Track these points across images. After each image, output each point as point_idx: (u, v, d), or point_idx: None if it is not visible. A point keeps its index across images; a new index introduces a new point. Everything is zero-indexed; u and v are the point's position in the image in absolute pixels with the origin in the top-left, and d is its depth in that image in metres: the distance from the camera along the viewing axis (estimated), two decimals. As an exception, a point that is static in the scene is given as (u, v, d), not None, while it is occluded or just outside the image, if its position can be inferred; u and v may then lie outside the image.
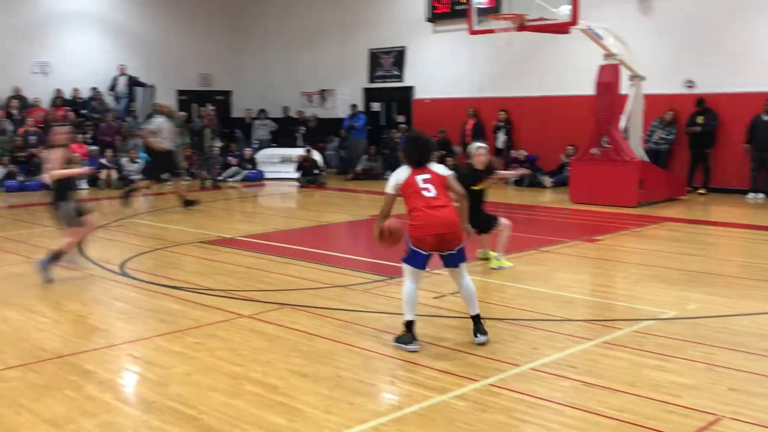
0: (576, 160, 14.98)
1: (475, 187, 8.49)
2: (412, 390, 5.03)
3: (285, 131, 22.20)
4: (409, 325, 5.89)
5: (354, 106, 21.27)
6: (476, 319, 6.04)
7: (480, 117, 18.96)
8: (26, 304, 7.31)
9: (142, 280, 8.24)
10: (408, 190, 5.95)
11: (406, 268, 5.95)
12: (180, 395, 4.92)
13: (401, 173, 6.01)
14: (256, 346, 5.94)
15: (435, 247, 5.87)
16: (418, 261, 5.89)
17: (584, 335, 6.16)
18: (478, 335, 5.97)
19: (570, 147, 17.02)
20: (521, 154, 17.68)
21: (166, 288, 7.86)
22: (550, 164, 17.59)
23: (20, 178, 17.67)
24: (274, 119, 22.56)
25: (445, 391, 4.96)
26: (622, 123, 14.28)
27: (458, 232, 5.94)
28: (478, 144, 8.84)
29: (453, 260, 5.94)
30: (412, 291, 5.91)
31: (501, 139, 18.53)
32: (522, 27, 13.28)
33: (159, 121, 14.25)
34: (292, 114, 22.70)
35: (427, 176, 5.95)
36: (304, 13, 23.05)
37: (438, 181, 5.96)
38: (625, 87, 14.44)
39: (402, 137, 5.49)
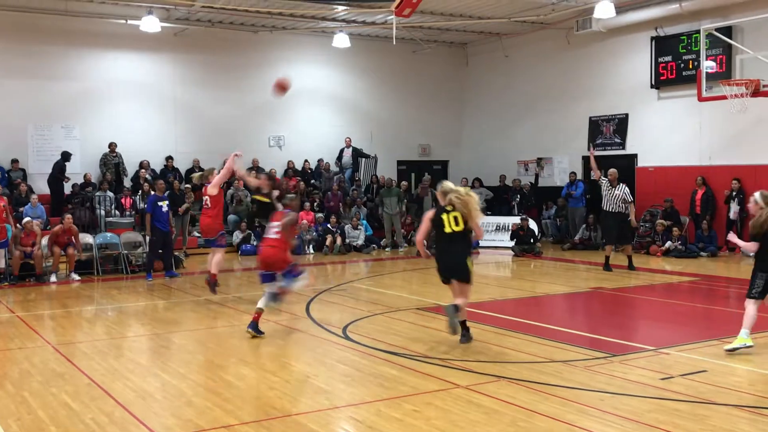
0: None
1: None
2: (638, 478, 4.74)
3: (500, 199, 22.27)
4: None
5: (573, 174, 20.93)
6: None
7: (710, 186, 17.92)
8: (259, 363, 7.81)
9: (363, 344, 8.51)
10: None
11: None
12: (399, 463, 4.98)
13: None
14: (473, 418, 5.90)
15: None
16: None
17: (838, 432, 5.52)
18: None
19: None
20: None
21: (385, 353, 8.07)
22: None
23: (255, 242, 19.06)
24: (489, 188, 22.72)
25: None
26: None
27: None
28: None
29: None
30: None
31: (734, 209, 17.34)
32: (757, 92, 12.50)
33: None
34: (508, 182, 22.73)
35: None
36: (522, 84, 23.26)
37: None
38: None
39: None
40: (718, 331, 9.12)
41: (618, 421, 5.79)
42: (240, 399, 6.52)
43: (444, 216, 8.23)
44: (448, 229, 8.21)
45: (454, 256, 8.25)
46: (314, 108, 23.16)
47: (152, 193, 15.93)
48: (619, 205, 14.57)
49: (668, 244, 17.54)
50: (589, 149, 16.39)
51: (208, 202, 12.11)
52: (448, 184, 8.49)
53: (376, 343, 8.54)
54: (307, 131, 22.71)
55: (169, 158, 20.51)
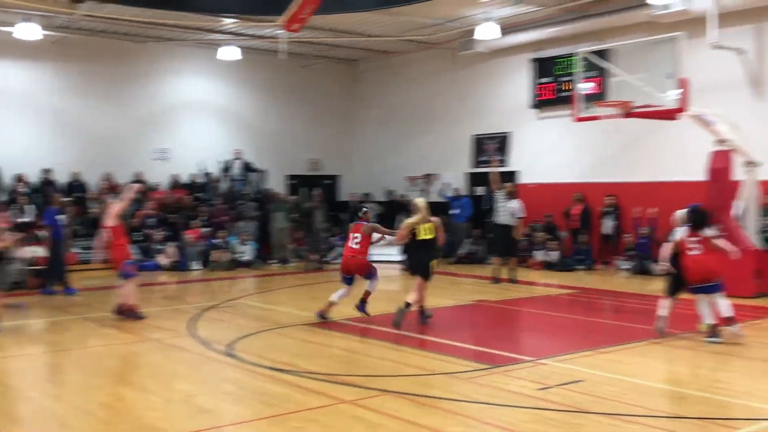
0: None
1: None
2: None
3: (390, 214, 22.47)
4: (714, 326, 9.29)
5: (457, 189, 21.39)
6: (731, 320, 9.27)
7: (587, 202, 18.72)
8: (139, 383, 7.58)
9: (248, 362, 8.40)
10: (681, 246, 9.46)
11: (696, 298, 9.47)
12: (282, 481, 4.94)
13: (681, 232, 9.55)
14: (357, 433, 5.93)
15: (699, 283, 9.30)
16: (695, 291, 9.40)
17: (699, 435, 5.86)
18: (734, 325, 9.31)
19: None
20: (644, 231, 17.03)
21: (270, 370, 7.99)
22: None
23: (137, 258, 18.48)
24: (380, 202, 22.93)
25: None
26: (737, 210, 13.78)
27: (715, 274, 9.26)
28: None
29: (708, 290, 9.25)
30: (705, 307, 9.35)
31: (609, 224, 18.17)
32: (629, 114, 13.15)
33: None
34: (395, 197, 22.92)
35: (697, 238, 9.35)
36: (411, 101, 23.66)
37: (705, 241, 9.34)
38: (739, 173, 13.99)
39: (691, 208, 9.75)
40: (593, 342, 9.54)
41: (497, 431, 5.95)
42: (118, 421, 6.31)
43: (419, 226, 10.42)
44: (419, 237, 10.44)
45: (421, 258, 10.57)
46: (202, 120, 22.78)
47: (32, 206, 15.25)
48: (509, 218, 15.16)
49: (542, 253, 18.13)
50: (477, 165, 16.84)
51: (108, 235, 11.35)
52: (417, 201, 10.71)
53: (261, 361, 8.45)
54: (193, 144, 22.26)
55: (48, 170, 19.66)
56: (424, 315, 10.82)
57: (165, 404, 6.80)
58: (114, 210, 11.33)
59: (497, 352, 9.07)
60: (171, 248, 18.74)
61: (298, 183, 24.24)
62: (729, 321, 9.38)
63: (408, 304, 10.31)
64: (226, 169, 22.33)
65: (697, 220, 9.56)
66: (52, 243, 14.16)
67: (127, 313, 11.14)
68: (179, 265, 18.44)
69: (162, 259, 18.51)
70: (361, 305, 11.08)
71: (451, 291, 15.02)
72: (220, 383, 7.62)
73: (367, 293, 11.09)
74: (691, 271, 9.42)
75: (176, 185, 21.40)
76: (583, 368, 8.05)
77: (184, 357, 8.85)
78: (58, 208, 14.38)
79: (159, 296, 14.50)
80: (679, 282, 9.72)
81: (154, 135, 21.89)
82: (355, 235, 11.12)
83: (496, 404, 6.69)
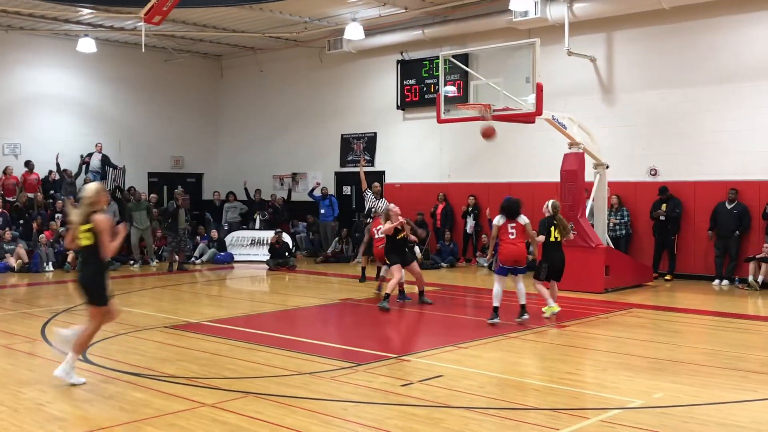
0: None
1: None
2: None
3: (252, 213, 22.16)
4: (496, 309, 10.42)
5: (325, 188, 21.38)
6: (522, 308, 10.61)
7: (450, 202, 19.20)
8: (-17, 392, 7.12)
9: (104, 366, 8.08)
10: (501, 231, 10.68)
11: (496, 276, 10.75)
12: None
13: (500, 220, 10.70)
14: (218, 436, 5.81)
15: (510, 265, 10.56)
16: (503, 271, 10.67)
17: (551, 425, 6.11)
18: (524, 314, 10.65)
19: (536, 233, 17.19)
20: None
21: (127, 375, 7.71)
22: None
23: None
24: (244, 201, 22.59)
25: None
26: (587, 210, 14.53)
27: (524, 259, 10.66)
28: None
29: (517, 272, 10.68)
30: (500, 290, 10.51)
31: (470, 224, 18.71)
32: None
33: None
34: (261, 197, 22.55)
35: (513, 224, 10.61)
36: (278, 99, 23.48)
37: (519, 228, 10.61)
38: (589, 175, 14.74)
39: (505, 199, 11.01)
40: (454, 338, 9.78)
41: (360, 429, 6.00)
42: (-42, 434, 5.90)
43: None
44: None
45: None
46: (56, 115, 21.67)
47: None
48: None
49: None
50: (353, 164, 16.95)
51: None
52: (389, 207, 12.55)
53: (118, 365, 8.13)
54: (47, 139, 21.12)
55: None
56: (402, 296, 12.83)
57: (12, 414, 6.42)
58: None
59: (361, 350, 9.15)
60: (21, 249, 17.74)
61: (160, 181, 23.55)
62: (522, 308, 10.72)
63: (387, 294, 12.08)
64: (87, 159, 21.27)
65: (508, 209, 10.75)
66: None
67: None
68: (31, 267, 17.48)
69: (11, 261, 17.49)
70: (400, 295, 12.76)
71: (318, 290, 15.03)
72: (73, 389, 7.26)
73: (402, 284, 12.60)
74: (504, 254, 10.67)
75: (28, 182, 20.24)
76: (443, 363, 8.25)
77: (35, 363, 8.41)
78: None
79: (8, 299, 13.68)
80: (550, 269, 11.15)
81: (3, 129, 20.65)
82: (379, 227, 12.73)
83: (359, 402, 6.74)
